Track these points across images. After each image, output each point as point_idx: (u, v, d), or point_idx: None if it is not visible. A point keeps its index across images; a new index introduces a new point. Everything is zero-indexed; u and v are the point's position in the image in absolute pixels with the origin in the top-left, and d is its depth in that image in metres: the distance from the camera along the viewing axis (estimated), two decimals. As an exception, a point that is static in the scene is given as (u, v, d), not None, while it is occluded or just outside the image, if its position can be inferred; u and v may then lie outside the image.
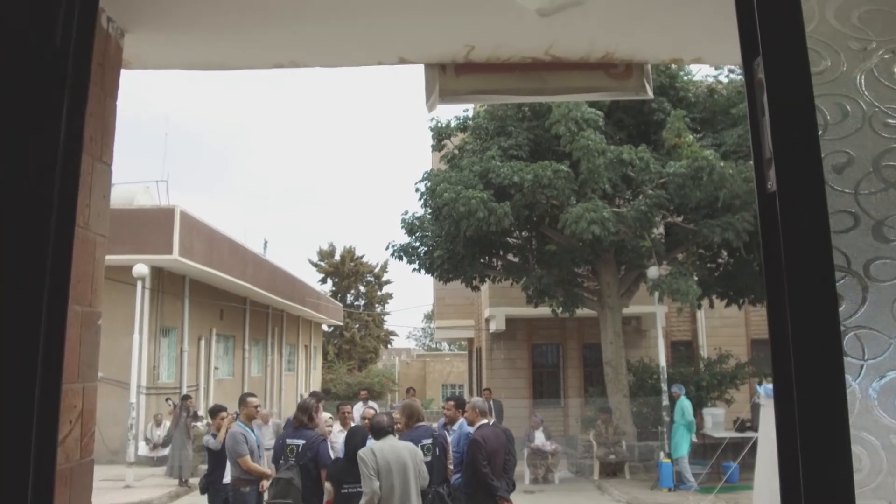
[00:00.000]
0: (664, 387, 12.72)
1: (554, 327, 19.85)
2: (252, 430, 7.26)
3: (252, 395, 7.53)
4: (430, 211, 14.60)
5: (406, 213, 15.08)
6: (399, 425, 6.44)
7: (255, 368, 23.75)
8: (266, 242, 32.88)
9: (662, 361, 12.98)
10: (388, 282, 45.88)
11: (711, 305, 16.32)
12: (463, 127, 14.87)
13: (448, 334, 25.01)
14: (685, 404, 12.41)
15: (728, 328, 19.90)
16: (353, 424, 8.00)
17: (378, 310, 45.82)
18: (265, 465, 7.01)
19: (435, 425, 8.21)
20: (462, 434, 6.99)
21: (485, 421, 6.75)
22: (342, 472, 5.93)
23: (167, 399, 14.81)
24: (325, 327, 40.48)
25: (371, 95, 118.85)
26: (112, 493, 11.59)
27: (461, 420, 7.14)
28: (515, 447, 7.23)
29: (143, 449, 14.65)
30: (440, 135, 14.72)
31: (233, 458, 7.03)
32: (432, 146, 15.00)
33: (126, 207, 15.57)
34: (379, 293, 45.62)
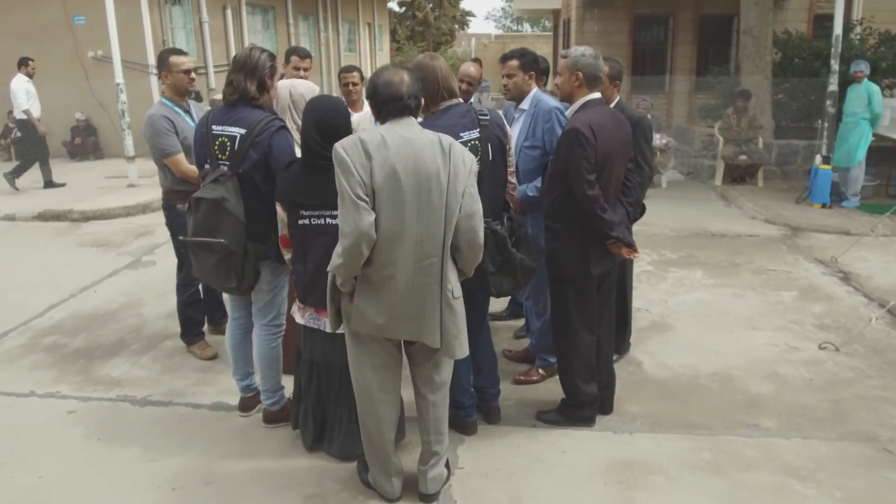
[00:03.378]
0: (834, 65, 8.93)
1: (664, -8, 15.48)
2: (188, 113, 4.36)
3: (179, 51, 4.41)
4: None
5: None
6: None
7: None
8: None
9: (838, 28, 8.98)
10: (463, -47, 39.95)
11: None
12: None
13: (530, 4, 20.63)
14: (873, 90, 8.60)
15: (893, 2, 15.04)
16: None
17: (452, -14, 40.80)
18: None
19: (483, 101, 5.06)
20: (540, 113, 3.89)
21: (595, 95, 3.51)
22: (295, 185, 3.06)
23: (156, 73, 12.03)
24: (393, 6, 36.30)
25: None
26: (113, 194, 9.50)
27: (534, 93, 4.00)
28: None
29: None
30: None
31: (157, 157, 4.25)
32: None
33: None
34: (454, -32, 40.12)
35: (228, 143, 3.31)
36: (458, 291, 2.74)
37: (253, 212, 3.32)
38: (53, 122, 12.81)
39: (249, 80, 3.33)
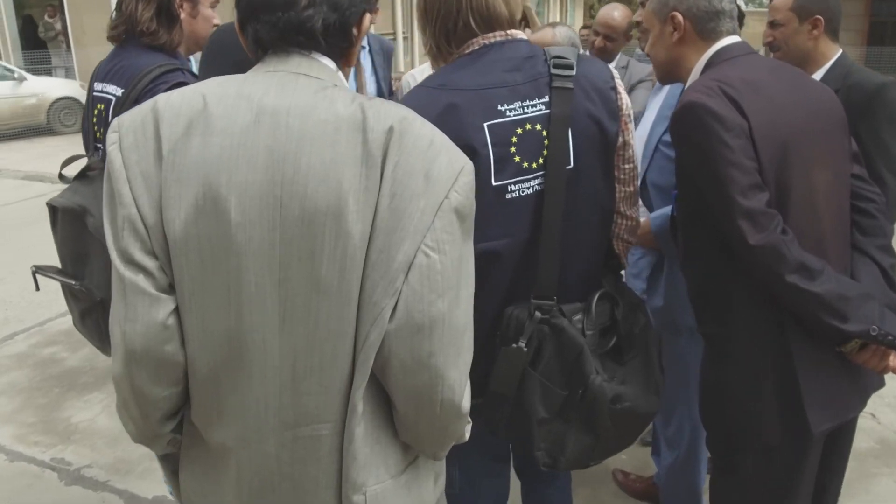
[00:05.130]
0: None
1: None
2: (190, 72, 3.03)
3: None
4: None
5: None
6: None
7: None
8: None
9: None
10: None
11: None
12: None
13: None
14: None
15: None
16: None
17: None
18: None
19: (634, 69, 3.22)
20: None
21: (728, 41, 1.56)
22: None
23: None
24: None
25: None
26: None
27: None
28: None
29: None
30: None
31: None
32: None
33: None
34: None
35: (104, 112, 1.93)
36: (388, 499, 1.11)
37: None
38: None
39: (143, 1, 1.89)
